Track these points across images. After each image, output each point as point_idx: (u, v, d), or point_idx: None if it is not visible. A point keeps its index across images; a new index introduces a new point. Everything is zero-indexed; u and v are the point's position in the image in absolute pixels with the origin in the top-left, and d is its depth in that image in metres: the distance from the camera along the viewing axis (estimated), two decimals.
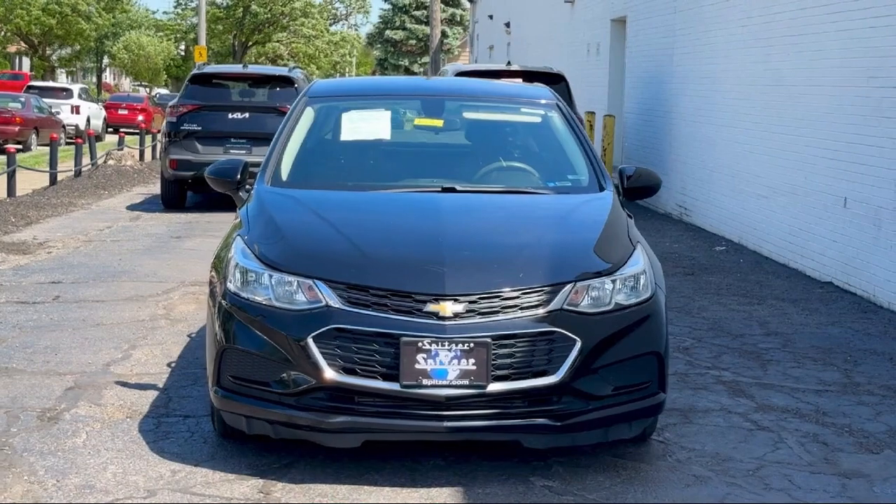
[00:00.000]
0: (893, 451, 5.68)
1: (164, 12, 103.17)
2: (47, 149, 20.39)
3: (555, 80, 14.47)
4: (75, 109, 34.74)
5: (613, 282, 5.05)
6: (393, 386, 4.73)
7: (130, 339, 7.65)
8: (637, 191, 6.18)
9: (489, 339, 4.74)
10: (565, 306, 4.88)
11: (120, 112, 40.73)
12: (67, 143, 28.34)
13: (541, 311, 4.86)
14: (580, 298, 4.94)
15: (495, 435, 4.92)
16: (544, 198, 5.92)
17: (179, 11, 76.09)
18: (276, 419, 4.90)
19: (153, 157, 26.77)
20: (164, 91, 70.94)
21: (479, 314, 4.80)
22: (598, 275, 5.05)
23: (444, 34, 56.97)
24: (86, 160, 21.89)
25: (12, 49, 67.18)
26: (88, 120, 34.75)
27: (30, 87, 36.55)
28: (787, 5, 12.02)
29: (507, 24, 36.03)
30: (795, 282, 10.76)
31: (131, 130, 33.63)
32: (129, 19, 79.98)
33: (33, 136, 29.05)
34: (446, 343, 4.71)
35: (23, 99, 30.24)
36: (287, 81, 16.27)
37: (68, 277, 9.98)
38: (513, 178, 6.17)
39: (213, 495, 4.81)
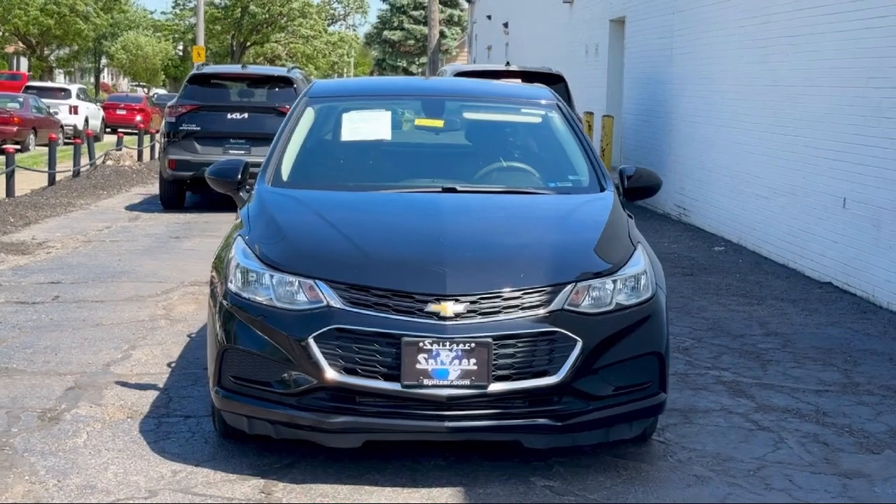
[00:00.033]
0: (894, 452, 5.68)
1: (163, 12, 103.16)
2: (46, 149, 20.40)
3: (554, 81, 14.47)
4: (73, 110, 34.73)
5: (614, 282, 5.05)
6: (394, 386, 4.73)
7: (130, 340, 7.65)
8: (637, 191, 6.19)
9: (490, 340, 4.74)
10: (566, 306, 4.89)
11: (118, 112, 40.70)
12: (66, 144, 28.33)
13: (542, 311, 4.86)
14: (581, 299, 4.94)
15: (496, 435, 4.92)
16: (545, 198, 5.92)
17: (177, 12, 76.02)
18: (278, 419, 4.90)
19: (151, 157, 26.76)
20: (161, 91, 70.88)
21: (480, 314, 4.80)
22: (599, 275, 5.06)
23: (442, 34, 56.98)
24: (84, 160, 21.88)
25: (10, 49, 67.15)
26: (87, 120, 34.76)
27: (28, 88, 36.53)
28: (784, 6, 12.03)
29: (506, 25, 36.04)
30: (795, 282, 10.76)
31: (129, 131, 33.60)
32: (127, 19, 79.94)
33: (31, 137, 29.04)
34: (447, 343, 4.71)
35: (21, 99, 30.24)
36: (286, 82, 16.26)
37: (68, 278, 9.98)
38: (513, 179, 6.17)
39: (215, 495, 4.81)
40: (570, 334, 4.83)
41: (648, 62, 17.88)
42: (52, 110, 32.00)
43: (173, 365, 6.98)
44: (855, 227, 10.11)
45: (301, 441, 5.07)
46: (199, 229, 13.79)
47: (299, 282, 4.91)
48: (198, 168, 14.71)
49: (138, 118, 38.98)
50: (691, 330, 8.39)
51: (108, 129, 37.63)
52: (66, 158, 22.69)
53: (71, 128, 32.85)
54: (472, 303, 4.81)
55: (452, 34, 69.17)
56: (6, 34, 61.38)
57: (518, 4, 33.84)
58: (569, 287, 4.93)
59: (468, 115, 6.79)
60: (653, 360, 5.13)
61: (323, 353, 4.76)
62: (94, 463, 5.16)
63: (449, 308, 4.77)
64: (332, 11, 77.94)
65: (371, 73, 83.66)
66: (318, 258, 5.02)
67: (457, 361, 4.71)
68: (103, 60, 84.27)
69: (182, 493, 4.82)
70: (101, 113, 38.06)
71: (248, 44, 70.73)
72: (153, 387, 6.44)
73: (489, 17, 41.38)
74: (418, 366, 4.70)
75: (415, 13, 70.17)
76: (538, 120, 6.65)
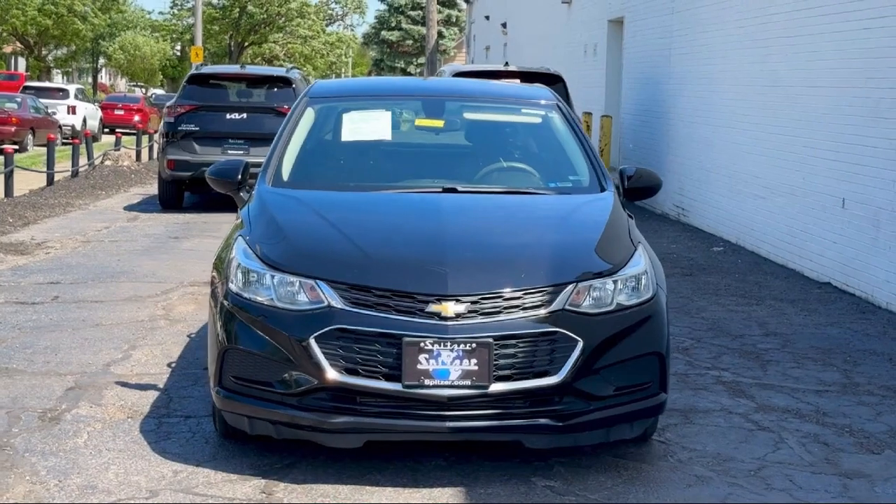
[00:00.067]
0: (894, 452, 5.69)
1: (160, 13, 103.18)
2: (44, 149, 20.38)
3: (553, 81, 14.47)
4: (72, 110, 34.72)
5: (615, 282, 5.06)
6: (395, 386, 4.73)
7: (130, 340, 7.65)
8: (638, 191, 6.19)
9: (491, 340, 4.74)
10: (567, 307, 4.89)
11: (116, 112, 40.69)
12: (64, 144, 28.32)
13: (542, 311, 4.86)
14: (582, 299, 4.94)
15: (497, 435, 4.92)
16: (545, 198, 5.93)
17: (175, 12, 75.99)
18: (279, 419, 4.90)
19: (150, 157, 26.76)
20: (159, 91, 70.88)
21: (481, 314, 4.81)
22: (600, 275, 5.06)
23: (440, 35, 57.00)
24: (83, 161, 21.87)
25: (8, 49, 67.11)
26: (85, 120, 34.74)
27: (26, 88, 36.51)
28: (783, 6, 12.04)
29: (504, 25, 36.05)
30: (794, 282, 10.77)
31: (127, 131, 33.59)
32: (124, 20, 79.86)
33: (30, 137, 29.01)
34: (448, 343, 4.72)
35: (19, 99, 30.21)
36: (285, 82, 16.26)
37: (67, 278, 9.98)
38: (513, 179, 6.18)
39: (216, 495, 4.81)
40: (570, 334, 4.83)
41: (647, 62, 17.89)
42: (50, 110, 31.97)
43: (173, 365, 6.98)
44: (854, 227, 10.12)
45: (302, 441, 5.07)
46: (198, 229, 13.78)
47: (300, 282, 4.91)
48: (196, 168, 14.71)
49: (136, 118, 38.98)
50: (691, 330, 8.39)
51: (106, 130, 37.61)
52: (65, 159, 22.69)
53: (69, 128, 32.84)
54: (473, 303, 4.81)
55: (450, 34, 69.19)
56: (4, 34, 61.32)
57: (516, 5, 33.85)
58: (570, 287, 4.93)
59: (468, 116, 6.80)
60: (653, 360, 5.14)
61: (324, 353, 4.76)
62: (94, 463, 5.16)
63: (450, 308, 4.78)
64: (329, 12, 77.87)
65: (369, 74, 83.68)
66: (319, 258, 5.03)
67: (458, 361, 4.72)
68: (101, 60, 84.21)
69: (183, 493, 4.82)
70: (99, 113, 38.05)
71: (246, 44, 70.69)
72: (153, 387, 6.44)
73: (487, 18, 41.40)
74: (419, 366, 4.70)
75: (413, 13, 70.19)
76: (538, 120, 6.66)
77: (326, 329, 4.76)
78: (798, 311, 9.31)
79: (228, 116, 15.71)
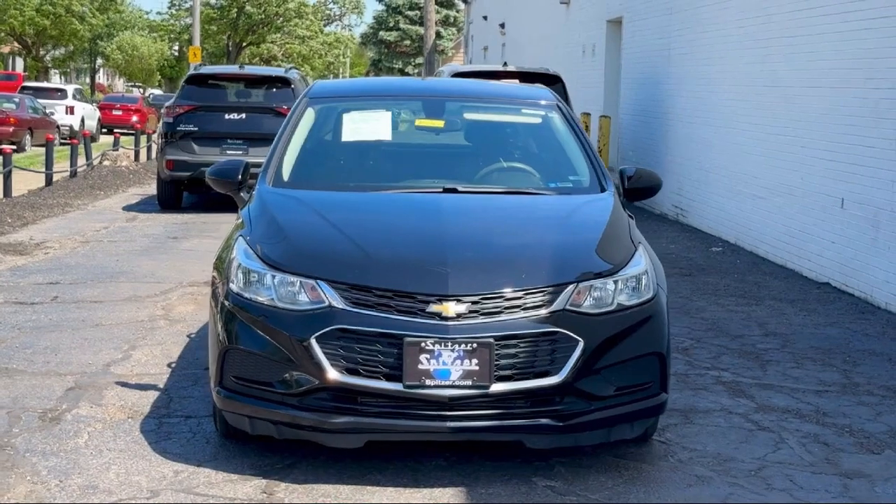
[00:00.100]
0: (894, 452, 5.69)
1: (158, 13, 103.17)
2: (42, 149, 20.38)
3: (551, 81, 14.48)
4: (70, 110, 34.71)
5: (615, 282, 5.06)
6: (396, 386, 4.73)
7: (130, 340, 7.65)
8: (638, 191, 6.19)
9: (492, 340, 4.74)
10: (568, 307, 4.89)
11: (114, 113, 40.71)
12: (62, 144, 28.32)
13: (543, 311, 4.86)
14: (582, 299, 4.95)
15: (498, 435, 4.92)
16: (545, 198, 5.93)
17: (173, 12, 76.00)
18: (280, 419, 4.90)
19: (148, 157, 26.74)
20: (157, 92, 70.86)
21: (481, 314, 4.81)
22: (600, 275, 5.06)
23: (438, 35, 57.00)
24: (81, 161, 21.86)
25: (6, 49, 67.10)
26: (83, 120, 34.73)
27: (24, 88, 36.50)
28: (782, 6, 12.05)
29: (502, 25, 36.05)
30: (793, 282, 10.78)
31: (126, 131, 33.59)
32: (122, 20, 79.86)
33: (28, 137, 29.00)
34: (449, 343, 4.72)
35: (17, 99, 30.19)
36: (283, 82, 16.25)
37: (66, 278, 9.97)
38: (514, 179, 6.18)
39: (217, 495, 4.81)
40: (571, 334, 4.84)
41: (646, 63, 17.89)
42: (48, 111, 31.96)
43: (173, 365, 6.98)
44: (853, 227, 10.12)
45: (303, 441, 5.07)
46: (197, 230, 13.78)
47: (301, 282, 4.91)
48: (195, 168, 14.71)
49: (134, 118, 39.00)
50: (690, 330, 8.40)
51: (104, 130, 37.61)
52: (63, 159, 22.68)
53: (67, 128, 32.83)
54: (473, 303, 4.81)
55: (448, 35, 69.20)
56: (2, 34, 61.32)
57: (515, 5, 33.85)
58: (570, 287, 4.94)
59: (468, 116, 6.80)
60: (654, 360, 5.14)
61: (325, 353, 4.76)
62: (95, 463, 5.16)
63: (451, 308, 4.78)
64: (327, 12, 77.94)
65: (367, 74, 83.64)
66: (319, 258, 5.03)
67: (459, 362, 4.72)
68: (99, 61, 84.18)
69: (184, 493, 4.82)
70: (98, 113, 38.05)
71: (244, 44, 70.72)
72: (153, 387, 6.44)
73: (485, 18, 41.39)
74: (420, 366, 4.70)
75: (411, 13, 70.18)
76: (538, 120, 6.66)
77: (327, 329, 4.76)
78: (797, 312, 9.31)
79: (227, 117, 15.71)
